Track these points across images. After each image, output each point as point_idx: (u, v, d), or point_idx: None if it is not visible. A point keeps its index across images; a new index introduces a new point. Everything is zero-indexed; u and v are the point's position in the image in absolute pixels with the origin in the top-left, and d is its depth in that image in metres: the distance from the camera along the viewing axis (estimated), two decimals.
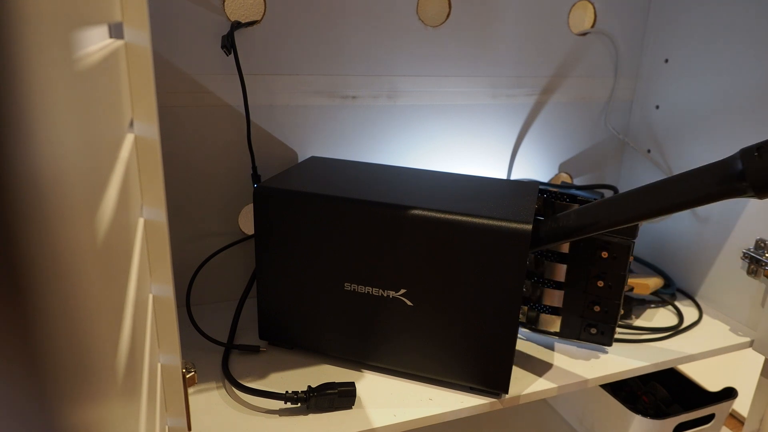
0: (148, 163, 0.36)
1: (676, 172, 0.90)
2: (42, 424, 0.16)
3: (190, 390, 0.60)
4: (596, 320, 0.68)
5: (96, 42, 0.27)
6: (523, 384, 0.63)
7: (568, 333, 0.70)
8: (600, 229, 0.57)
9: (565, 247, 0.67)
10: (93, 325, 0.20)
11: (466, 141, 0.87)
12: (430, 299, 0.59)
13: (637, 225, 0.69)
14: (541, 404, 0.99)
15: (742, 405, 1.02)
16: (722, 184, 0.51)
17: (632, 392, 0.90)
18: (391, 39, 0.78)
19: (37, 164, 0.15)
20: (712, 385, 0.86)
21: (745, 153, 0.50)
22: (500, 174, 0.92)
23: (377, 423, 0.56)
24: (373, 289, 0.60)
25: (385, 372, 0.65)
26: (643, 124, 0.95)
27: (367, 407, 0.59)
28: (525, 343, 0.72)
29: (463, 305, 0.58)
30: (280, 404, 0.58)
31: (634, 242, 0.67)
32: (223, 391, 0.61)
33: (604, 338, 0.68)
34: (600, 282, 0.67)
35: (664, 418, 0.76)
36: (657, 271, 0.92)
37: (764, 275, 0.76)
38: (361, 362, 0.66)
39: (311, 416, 0.57)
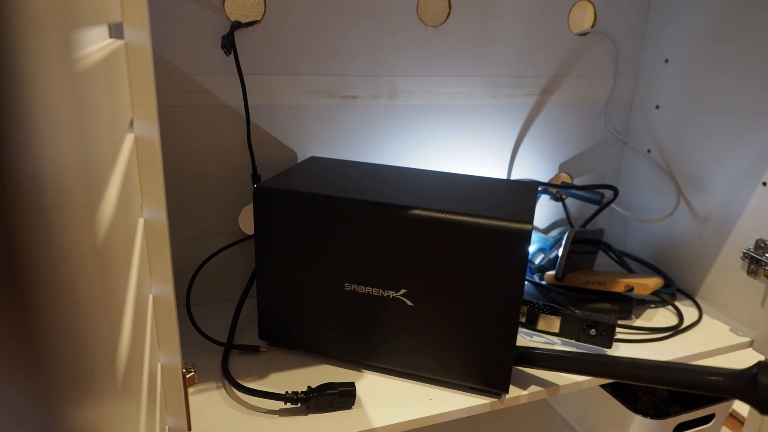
0: (148, 163, 0.36)
1: (677, 172, 0.90)
2: (42, 424, 0.16)
3: (190, 390, 0.60)
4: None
5: (96, 42, 0.27)
6: (523, 384, 0.63)
7: (567, 334, 0.70)
8: (600, 377, 0.60)
9: (555, 327, 0.70)
10: (93, 325, 0.20)
11: (466, 141, 0.87)
12: (431, 299, 0.59)
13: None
14: (541, 404, 0.99)
15: (742, 405, 1.02)
16: (732, 382, 0.52)
17: (632, 392, 0.90)
18: (391, 39, 0.78)
19: (37, 164, 0.15)
20: None
21: (762, 367, 0.51)
22: (500, 174, 0.92)
23: (377, 423, 0.56)
24: (374, 289, 0.60)
25: (385, 372, 0.65)
26: (643, 124, 0.95)
27: (367, 407, 0.59)
28: (525, 343, 0.72)
29: (463, 305, 0.58)
30: (280, 404, 0.58)
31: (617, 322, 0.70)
32: (223, 391, 0.61)
33: (603, 340, 0.68)
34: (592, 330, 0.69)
35: (664, 418, 0.76)
36: (657, 271, 0.92)
37: (764, 275, 0.76)
38: (361, 362, 0.66)
39: (311, 416, 0.57)
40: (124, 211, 0.29)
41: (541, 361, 0.61)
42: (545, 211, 0.97)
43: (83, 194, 0.20)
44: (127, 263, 0.29)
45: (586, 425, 0.89)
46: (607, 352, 0.70)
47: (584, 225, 0.95)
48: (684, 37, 0.87)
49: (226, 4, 0.69)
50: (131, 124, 0.35)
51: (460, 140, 0.87)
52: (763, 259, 0.76)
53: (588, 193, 0.91)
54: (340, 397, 0.58)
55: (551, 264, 0.84)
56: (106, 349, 0.22)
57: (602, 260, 0.97)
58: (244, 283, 0.81)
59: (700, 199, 0.86)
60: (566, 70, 0.90)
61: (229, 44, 0.69)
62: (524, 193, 0.65)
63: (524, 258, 0.55)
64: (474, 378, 0.60)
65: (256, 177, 0.74)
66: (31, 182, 0.15)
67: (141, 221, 0.37)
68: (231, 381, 0.61)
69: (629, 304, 0.80)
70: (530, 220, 0.55)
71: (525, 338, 0.73)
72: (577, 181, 0.97)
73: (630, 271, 0.91)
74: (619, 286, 0.77)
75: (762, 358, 0.78)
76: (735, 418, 1.11)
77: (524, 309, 0.71)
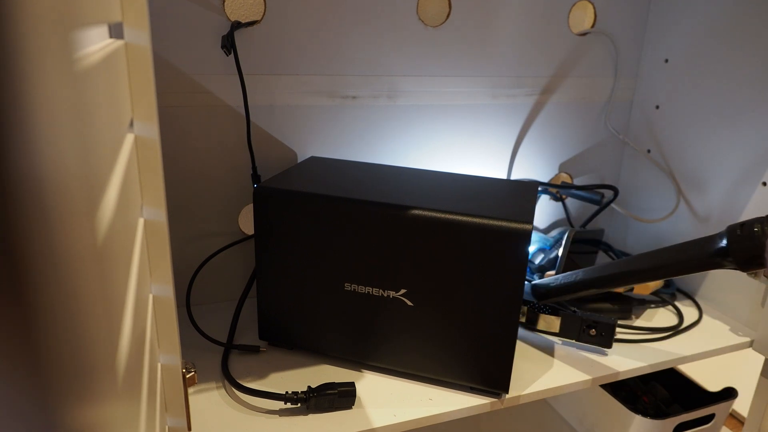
0: (148, 163, 0.36)
1: (677, 172, 0.90)
2: (42, 424, 0.16)
3: (190, 390, 0.60)
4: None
5: (96, 42, 0.27)
6: (523, 384, 0.63)
7: (567, 334, 0.70)
8: (595, 287, 0.66)
9: (555, 327, 0.70)
10: (93, 325, 0.20)
11: (466, 141, 0.87)
12: (431, 299, 0.59)
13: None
14: (541, 404, 0.99)
15: (742, 405, 1.02)
16: (707, 258, 0.58)
17: (632, 392, 0.90)
18: (391, 39, 0.78)
19: (37, 164, 0.15)
20: (712, 385, 0.86)
21: (730, 230, 0.57)
22: (500, 174, 0.92)
23: (377, 423, 0.56)
24: (374, 289, 0.60)
25: (385, 372, 0.65)
26: (643, 124, 0.95)
27: (367, 407, 0.59)
28: (525, 343, 0.72)
29: (463, 305, 0.58)
30: (280, 404, 0.58)
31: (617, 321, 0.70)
32: (223, 391, 0.61)
33: (603, 340, 0.68)
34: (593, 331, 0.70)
35: (664, 418, 0.76)
36: None
37: (764, 275, 0.76)
38: (361, 362, 0.66)
39: (311, 416, 0.57)
40: (124, 211, 0.29)
41: (560, 292, 0.67)
42: (545, 211, 0.97)
43: (83, 194, 0.20)
44: (127, 263, 0.29)
45: (586, 425, 0.89)
46: (607, 352, 0.70)
47: (584, 225, 0.95)
48: (684, 37, 0.87)
49: (226, 4, 0.69)
50: (131, 124, 0.35)
51: (460, 140, 0.87)
52: None
53: (588, 193, 0.92)
54: (340, 397, 0.58)
55: (551, 264, 0.84)
56: (106, 349, 0.22)
57: (602, 260, 0.97)
58: (244, 283, 0.81)
59: (700, 199, 0.86)
60: (566, 70, 0.90)
61: (229, 44, 0.69)
62: (524, 193, 0.65)
63: (524, 258, 0.55)
64: (474, 378, 0.60)
65: (256, 177, 0.74)
66: (31, 182, 0.15)
67: (141, 221, 0.37)
68: (231, 381, 0.61)
69: (629, 304, 0.80)
70: (530, 220, 0.55)
71: (525, 338, 0.73)
72: (577, 181, 0.97)
73: None
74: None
75: (762, 358, 0.78)
76: (735, 418, 1.11)
77: (524, 309, 0.71)
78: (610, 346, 0.69)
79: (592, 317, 0.68)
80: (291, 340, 0.67)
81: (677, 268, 0.60)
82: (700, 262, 0.58)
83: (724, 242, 0.57)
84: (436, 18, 0.80)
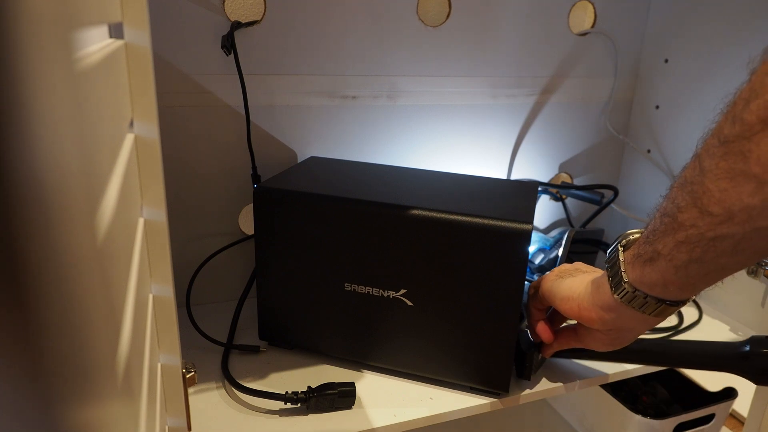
0: (148, 163, 0.36)
1: (677, 172, 0.90)
2: (42, 424, 0.16)
3: (190, 390, 0.60)
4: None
5: (96, 42, 0.27)
6: (523, 384, 0.63)
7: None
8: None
9: None
10: (93, 325, 0.20)
11: (466, 141, 0.87)
12: (431, 299, 0.59)
13: None
14: (541, 404, 0.99)
15: (742, 405, 1.02)
16: (727, 359, 0.60)
17: (632, 392, 0.90)
18: (391, 39, 0.78)
19: (36, 164, 0.15)
20: (712, 385, 0.86)
21: (754, 342, 0.59)
22: (500, 174, 0.92)
23: (377, 423, 0.56)
24: (374, 289, 0.60)
25: (385, 372, 0.65)
26: (643, 124, 0.95)
27: (367, 407, 0.59)
28: None
29: (463, 305, 0.58)
30: (280, 404, 0.58)
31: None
32: (223, 391, 0.61)
33: (518, 368, 0.62)
34: None
35: (664, 418, 0.76)
36: None
37: (764, 275, 0.76)
38: (361, 362, 0.66)
39: (311, 416, 0.57)
40: (124, 211, 0.29)
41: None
42: (545, 211, 0.97)
43: (83, 194, 0.20)
44: (127, 263, 0.29)
45: (586, 425, 0.89)
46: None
47: (584, 225, 0.95)
48: (684, 37, 0.87)
49: (226, 4, 0.69)
50: (131, 124, 0.35)
51: (460, 140, 0.87)
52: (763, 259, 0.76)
53: (588, 193, 0.92)
54: (340, 397, 0.58)
55: (551, 264, 0.84)
56: (106, 349, 0.22)
57: (602, 260, 0.97)
58: (244, 283, 0.80)
59: None
60: (566, 70, 0.90)
61: (229, 44, 0.69)
62: (524, 193, 0.65)
63: (524, 258, 0.55)
64: (474, 378, 0.60)
65: (256, 177, 0.74)
66: (31, 182, 0.15)
67: (141, 221, 0.37)
68: (231, 381, 0.61)
69: None
70: (530, 220, 0.55)
71: None
72: (577, 181, 0.97)
73: None
74: None
75: None
76: (735, 418, 1.11)
77: None
78: (521, 376, 0.62)
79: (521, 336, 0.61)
80: (291, 340, 0.67)
81: (700, 362, 0.63)
82: (721, 363, 0.60)
83: (746, 348, 0.59)
84: (436, 18, 0.80)
